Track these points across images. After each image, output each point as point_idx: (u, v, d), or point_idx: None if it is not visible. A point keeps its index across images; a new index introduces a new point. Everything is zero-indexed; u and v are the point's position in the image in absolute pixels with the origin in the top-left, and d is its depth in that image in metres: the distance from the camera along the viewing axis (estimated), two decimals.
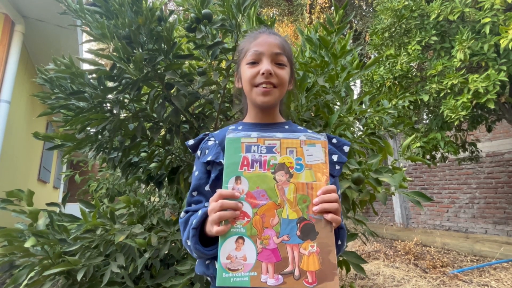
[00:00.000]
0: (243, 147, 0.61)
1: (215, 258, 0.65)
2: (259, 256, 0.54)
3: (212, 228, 0.57)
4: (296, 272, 0.54)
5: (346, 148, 0.76)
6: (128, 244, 1.21)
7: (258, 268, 0.54)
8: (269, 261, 0.54)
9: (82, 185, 3.19)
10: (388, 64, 3.59)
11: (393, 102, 3.27)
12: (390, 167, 1.28)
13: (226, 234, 0.56)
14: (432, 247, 4.86)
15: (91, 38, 1.03)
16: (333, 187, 0.59)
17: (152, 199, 2.52)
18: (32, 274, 1.07)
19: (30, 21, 3.09)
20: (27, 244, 1.01)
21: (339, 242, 0.65)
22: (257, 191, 0.58)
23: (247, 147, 0.61)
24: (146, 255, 1.13)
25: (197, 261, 0.79)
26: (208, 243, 0.65)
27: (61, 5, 1.08)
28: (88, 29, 1.07)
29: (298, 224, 0.57)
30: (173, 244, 1.37)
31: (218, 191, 0.58)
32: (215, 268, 0.70)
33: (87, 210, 1.13)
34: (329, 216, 0.56)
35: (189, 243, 0.66)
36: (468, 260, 4.13)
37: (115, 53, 1.02)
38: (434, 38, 3.23)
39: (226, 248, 0.55)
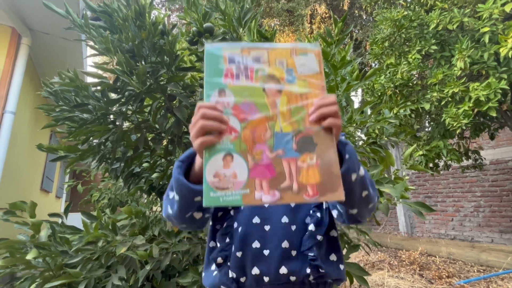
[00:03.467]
0: (226, 57, 0.54)
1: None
2: (251, 172, 0.49)
3: (196, 142, 0.50)
4: (295, 186, 0.49)
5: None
6: (130, 256, 1.20)
7: (251, 185, 0.49)
8: (263, 177, 0.49)
9: (85, 195, 3.19)
10: (389, 73, 3.62)
11: (394, 111, 3.28)
12: (393, 176, 1.28)
13: (211, 151, 0.49)
14: (437, 256, 4.78)
15: (96, 52, 1.05)
16: (331, 97, 0.53)
17: (154, 208, 2.51)
18: (33, 286, 1.07)
19: (37, 34, 3.16)
20: (29, 256, 1.01)
21: (347, 156, 0.58)
22: (245, 104, 0.52)
23: (230, 57, 0.54)
24: (148, 267, 1.13)
25: (203, 273, 0.78)
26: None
27: (69, 18, 1.11)
28: (93, 43, 1.09)
29: (294, 137, 0.51)
30: (175, 256, 1.37)
31: (199, 103, 0.51)
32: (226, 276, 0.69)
33: (88, 221, 1.14)
34: (327, 121, 0.51)
35: (173, 192, 0.61)
36: (475, 270, 4.06)
37: (118, 67, 1.04)
38: (434, 47, 3.26)
39: (212, 166, 0.49)
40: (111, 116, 1.35)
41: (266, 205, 0.75)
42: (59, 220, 1.44)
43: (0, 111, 2.74)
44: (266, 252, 0.70)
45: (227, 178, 0.48)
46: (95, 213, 2.71)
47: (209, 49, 0.54)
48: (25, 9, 2.78)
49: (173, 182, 0.60)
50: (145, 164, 1.79)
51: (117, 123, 1.28)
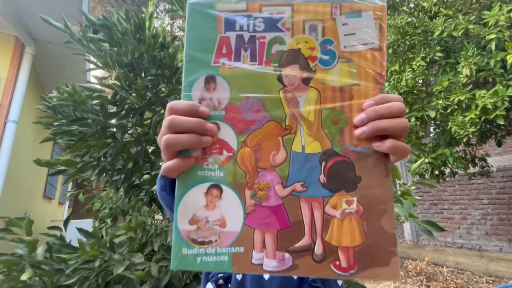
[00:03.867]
0: (220, 19, 0.34)
1: None
2: (249, 219, 0.32)
3: (163, 167, 0.34)
4: (318, 249, 0.31)
5: None
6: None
7: (247, 240, 0.31)
8: (267, 227, 0.32)
9: (87, 203, 3.18)
10: (393, 80, 3.58)
11: None
12: (399, 191, 1.23)
13: (187, 181, 0.32)
14: (444, 267, 4.67)
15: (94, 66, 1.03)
16: (396, 99, 0.33)
17: (156, 216, 2.48)
18: None
19: (40, 43, 3.18)
20: (24, 277, 0.98)
21: None
22: (246, 104, 0.33)
23: (228, 19, 0.34)
24: (146, 287, 1.09)
25: None
26: None
27: (68, 32, 1.09)
28: (92, 57, 1.07)
29: (324, 163, 0.33)
30: (174, 273, 1.33)
31: (170, 103, 0.34)
32: None
33: (85, 239, 1.11)
34: (387, 144, 0.31)
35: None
36: (484, 281, 3.95)
37: (117, 81, 1.02)
38: (439, 54, 3.22)
39: (188, 205, 0.32)
40: (111, 129, 1.32)
41: (267, 276, 0.55)
42: (60, 232, 1.41)
43: (3, 120, 2.74)
44: (266, 276, 0.66)
45: (210, 226, 0.31)
46: (96, 223, 2.68)
47: (194, 4, 0.34)
48: (28, 18, 2.80)
49: (159, 196, 0.45)
50: (145, 176, 1.76)
51: (117, 137, 1.26)
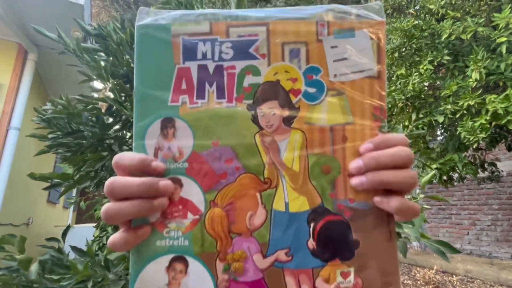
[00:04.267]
0: (177, 46, 0.27)
1: None
2: None
3: (110, 240, 0.28)
4: None
5: None
6: None
7: None
8: None
9: (90, 208, 3.16)
10: (399, 84, 3.50)
11: (408, 125, 3.16)
12: None
13: (144, 252, 0.26)
14: (454, 275, 4.55)
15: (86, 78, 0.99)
16: (401, 141, 0.26)
17: None
18: None
19: (43, 49, 3.17)
20: None
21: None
22: (214, 152, 0.27)
23: (187, 46, 0.27)
24: None
25: None
26: None
27: (61, 42, 1.06)
28: (86, 67, 1.03)
29: (313, 224, 0.26)
30: None
31: (115, 158, 0.27)
32: None
33: (81, 258, 1.06)
34: (393, 204, 0.25)
35: None
36: None
37: (111, 94, 0.98)
38: (447, 57, 3.14)
39: (145, 284, 0.26)
40: (108, 141, 1.28)
41: None
42: (58, 243, 1.37)
43: (5, 127, 2.73)
44: None
45: None
46: (97, 232, 2.64)
47: (143, 27, 0.27)
48: (31, 25, 2.80)
49: None
50: None
51: (114, 149, 1.21)
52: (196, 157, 0.27)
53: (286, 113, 0.27)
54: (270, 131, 0.27)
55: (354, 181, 0.26)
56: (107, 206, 0.25)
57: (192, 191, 0.26)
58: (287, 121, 0.27)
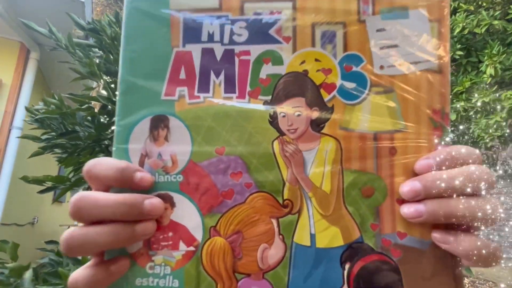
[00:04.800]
0: (177, 24, 0.21)
1: None
2: None
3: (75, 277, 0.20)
4: None
5: None
6: None
7: None
8: None
9: None
10: None
11: None
12: None
13: None
14: (465, 277, 4.44)
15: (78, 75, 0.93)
16: (470, 149, 0.20)
17: None
18: None
19: (46, 48, 3.14)
20: None
21: None
22: (218, 163, 0.20)
23: (189, 25, 0.20)
24: None
25: None
26: None
27: (52, 38, 1.00)
28: (78, 64, 0.97)
29: (348, 265, 0.19)
30: None
31: (86, 165, 0.20)
32: None
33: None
34: (466, 245, 0.18)
35: None
36: None
37: (104, 92, 0.92)
38: (460, 52, 3.01)
39: None
40: (105, 142, 1.23)
41: None
42: (57, 246, 1.32)
43: (7, 127, 2.71)
44: None
45: None
46: None
47: (135, 1, 0.21)
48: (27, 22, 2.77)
49: None
50: None
51: (110, 150, 1.16)
52: (194, 168, 0.20)
53: (316, 114, 0.20)
54: (293, 137, 0.20)
55: (408, 210, 0.18)
56: (71, 233, 0.18)
57: (187, 214, 0.20)
58: (317, 125, 0.20)
